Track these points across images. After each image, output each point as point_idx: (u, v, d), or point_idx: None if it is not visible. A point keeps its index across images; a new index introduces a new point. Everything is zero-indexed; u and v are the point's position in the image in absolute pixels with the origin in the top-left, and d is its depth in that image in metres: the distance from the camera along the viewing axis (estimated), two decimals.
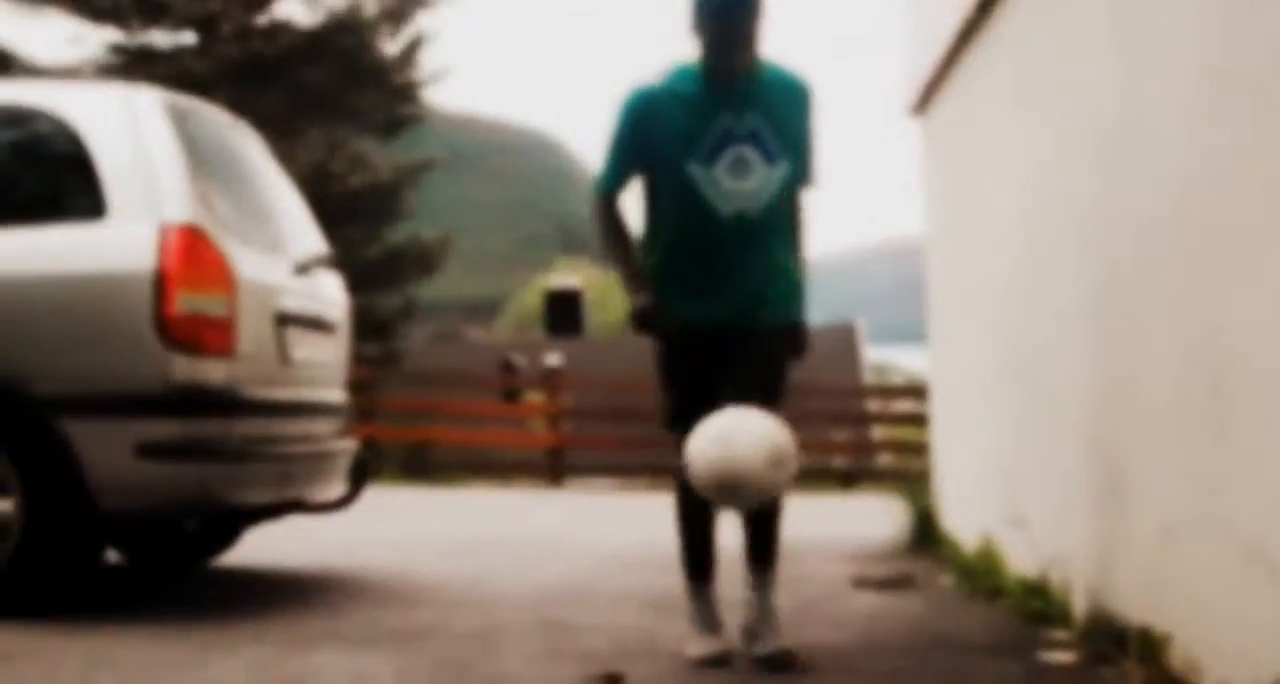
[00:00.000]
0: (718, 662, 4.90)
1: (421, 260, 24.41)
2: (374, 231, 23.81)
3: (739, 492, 4.54)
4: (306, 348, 6.66)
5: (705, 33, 4.97)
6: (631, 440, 17.85)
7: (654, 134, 5.07)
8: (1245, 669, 3.81)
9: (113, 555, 7.26)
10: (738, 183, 5.03)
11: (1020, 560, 6.55)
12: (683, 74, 5.08)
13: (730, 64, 4.98)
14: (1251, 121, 3.91)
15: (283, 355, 6.41)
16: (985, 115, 7.56)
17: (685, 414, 4.92)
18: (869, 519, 9.95)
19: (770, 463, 4.45)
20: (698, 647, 5.00)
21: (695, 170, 5.03)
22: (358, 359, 10.43)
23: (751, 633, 5.01)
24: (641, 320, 5.07)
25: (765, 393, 5.00)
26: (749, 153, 5.02)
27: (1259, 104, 3.86)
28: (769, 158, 5.03)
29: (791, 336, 5.26)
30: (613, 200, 5.22)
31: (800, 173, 5.22)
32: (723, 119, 5.01)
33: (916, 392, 16.08)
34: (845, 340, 34.81)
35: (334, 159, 23.24)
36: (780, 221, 5.16)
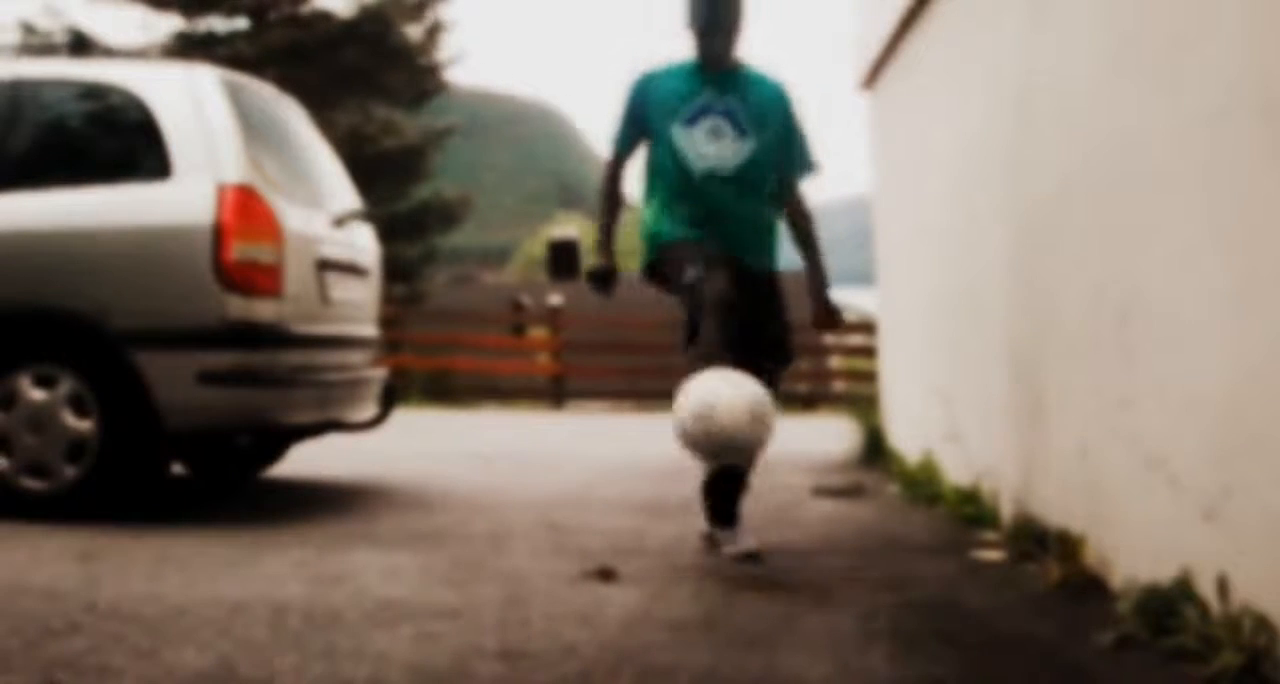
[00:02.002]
0: (750, 557, 4.77)
1: (443, 215, 24.35)
2: (402, 189, 23.70)
3: (730, 453, 4.50)
4: (343, 289, 6.64)
5: (694, 23, 5.15)
6: (622, 369, 17.91)
7: (650, 104, 5.23)
8: (1149, 566, 3.81)
9: (177, 468, 7.26)
10: (711, 146, 5.16)
11: (956, 472, 6.56)
12: (679, 65, 5.25)
13: (715, 48, 5.14)
14: (1152, 88, 3.90)
15: (323, 296, 6.39)
16: (925, 88, 7.54)
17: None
18: (827, 438, 9.96)
19: (752, 421, 4.38)
20: (732, 546, 4.85)
21: (678, 132, 5.16)
22: (387, 299, 10.40)
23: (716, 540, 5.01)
24: (594, 277, 5.27)
25: (781, 353, 5.24)
26: (723, 124, 5.17)
27: (1158, 72, 3.84)
28: (739, 132, 5.17)
29: (770, 282, 5.29)
30: (620, 162, 5.35)
31: (795, 161, 5.34)
32: (705, 95, 5.17)
33: (867, 327, 16.05)
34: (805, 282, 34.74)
35: (367, 126, 23.19)
36: (748, 186, 5.20)
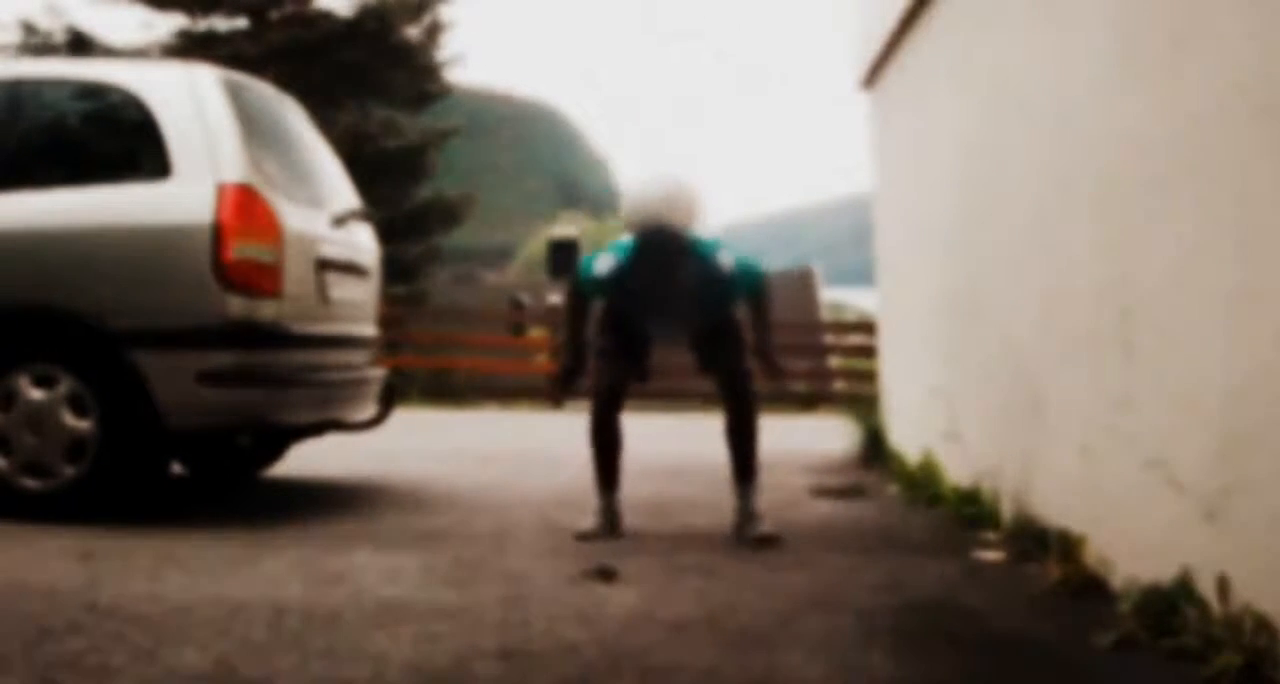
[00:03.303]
0: (585, 537, 5.47)
1: (444, 214, 24.32)
2: (402, 189, 23.68)
3: (647, 220, 5.34)
4: (343, 289, 6.63)
5: (638, 267, 5.43)
6: None
7: (601, 289, 5.62)
8: (1149, 566, 3.81)
9: (177, 468, 7.26)
10: (660, 331, 5.72)
11: (956, 471, 6.55)
12: (624, 248, 5.52)
13: (656, 293, 5.46)
14: (1152, 87, 3.90)
15: (323, 295, 6.38)
16: (926, 88, 7.53)
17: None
18: (827, 437, 9.96)
19: (664, 201, 5.33)
20: (582, 526, 5.60)
21: (631, 313, 5.63)
22: (387, 299, 10.40)
23: (740, 527, 5.57)
24: (561, 379, 5.81)
25: (738, 379, 5.68)
26: (670, 323, 5.64)
27: (1159, 71, 3.84)
28: (688, 321, 5.64)
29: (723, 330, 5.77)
30: (584, 299, 5.75)
31: (747, 297, 5.71)
32: (650, 305, 5.54)
33: (867, 327, 16.07)
34: (805, 282, 34.73)
35: (367, 125, 23.18)
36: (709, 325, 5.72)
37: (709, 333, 5.72)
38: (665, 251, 5.33)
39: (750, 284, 5.63)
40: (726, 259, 5.52)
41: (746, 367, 5.68)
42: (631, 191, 5.47)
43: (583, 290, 5.68)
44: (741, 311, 5.76)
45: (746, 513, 5.59)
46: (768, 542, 5.39)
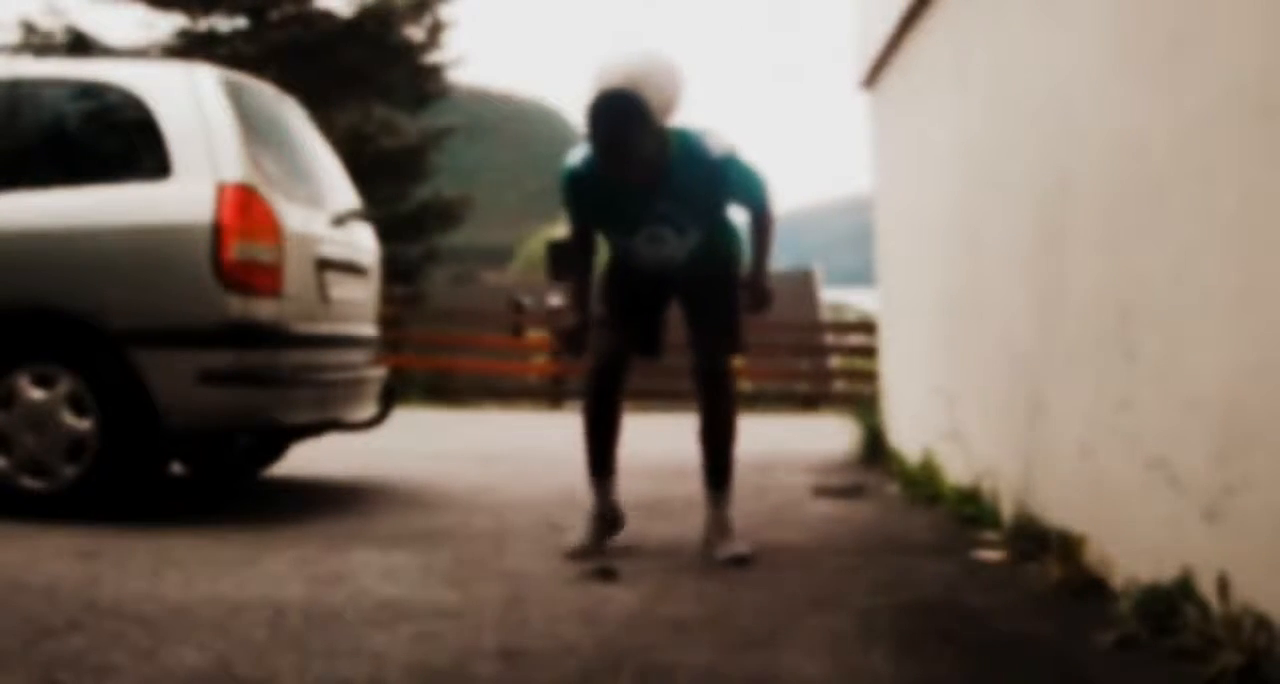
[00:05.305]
0: (575, 555, 4.97)
1: (444, 215, 24.29)
2: (402, 189, 23.67)
3: (604, 96, 4.60)
4: (343, 289, 6.64)
5: (592, 143, 4.74)
6: None
7: (583, 208, 5.07)
8: (1150, 565, 3.81)
9: (177, 468, 7.26)
10: (654, 250, 5.03)
11: (956, 471, 6.55)
12: (595, 158, 4.82)
13: (618, 175, 4.77)
14: (1153, 87, 3.90)
15: (323, 295, 6.38)
16: (926, 88, 7.53)
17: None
18: (827, 437, 9.95)
19: (625, 81, 4.57)
20: (571, 539, 5.13)
21: (617, 238, 5.10)
22: (387, 299, 10.39)
23: (709, 542, 5.08)
24: (566, 338, 5.16)
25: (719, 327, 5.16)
26: (661, 230, 4.95)
27: (1159, 71, 3.84)
28: (680, 230, 4.95)
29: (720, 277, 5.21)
30: (577, 240, 5.19)
31: (744, 203, 5.08)
32: (632, 206, 4.92)
33: (867, 327, 16.07)
34: (805, 282, 34.75)
35: (367, 125, 23.17)
36: (697, 252, 5.06)
37: (703, 278, 5.13)
38: (615, 119, 4.61)
39: (750, 186, 5.00)
40: (716, 143, 4.84)
41: (728, 362, 5.18)
42: (596, 69, 4.71)
43: (567, 196, 5.04)
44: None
45: (719, 525, 5.10)
46: (738, 563, 4.87)
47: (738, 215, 5.19)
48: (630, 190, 4.84)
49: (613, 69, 4.64)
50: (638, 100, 4.57)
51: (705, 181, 4.87)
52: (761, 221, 5.10)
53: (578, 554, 4.97)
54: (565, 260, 5.40)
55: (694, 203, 4.91)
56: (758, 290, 5.14)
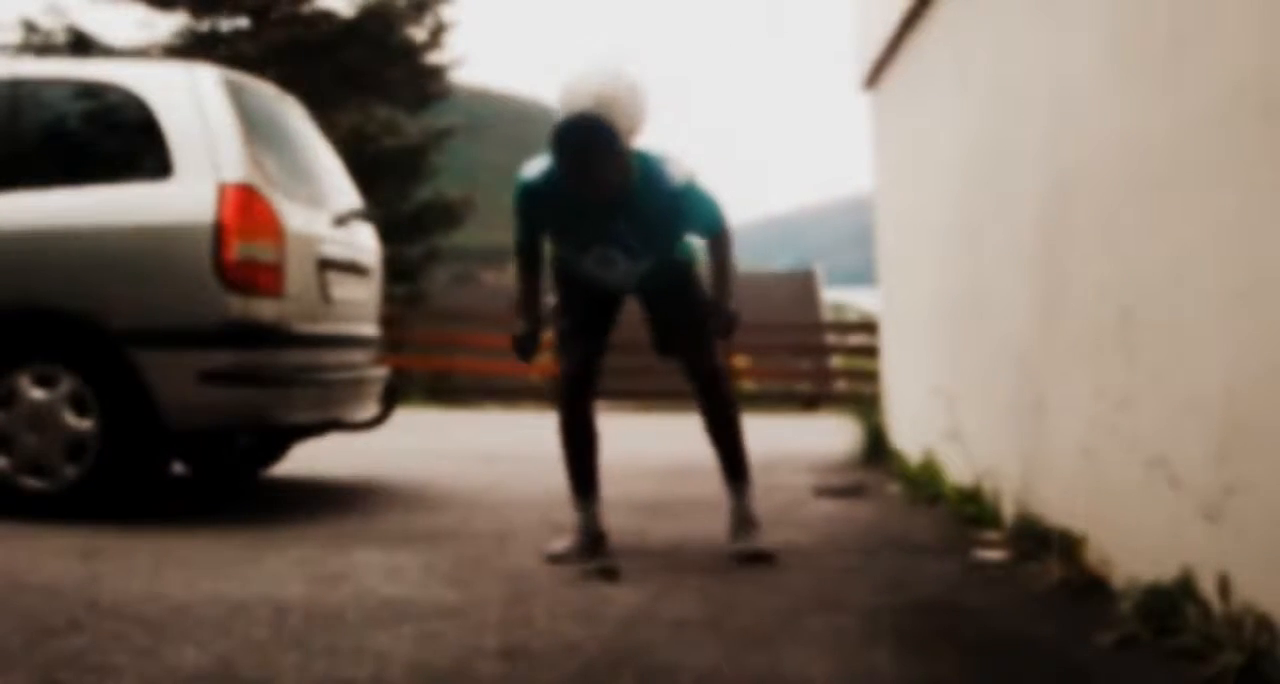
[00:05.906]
0: (558, 559, 4.92)
1: (445, 215, 24.30)
2: (403, 189, 23.68)
3: (576, 113, 4.55)
4: (344, 289, 6.64)
5: (559, 165, 4.67)
6: (621, 370, 17.84)
7: (536, 222, 5.01)
8: (1150, 565, 3.81)
9: (177, 468, 7.26)
10: (602, 271, 5.01)
11: (957, 471, 6.55)
12: (555, 173, 4.77)
13: (582, 194, 4.68)
14: (1153, 87, 3.90)
15: (324, 295, 6.39)
16: (927, 89, 7.53)
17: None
18: (828, 437, 9.95)
19: (595, 101, 4.53)
20: (555, 545, 5.09)
21: (568, 255, 5.05)
22: (388, 299, 10.41)
23: (734, 533, 5.12)
24: (514, 345, 5.27)
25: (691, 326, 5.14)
26: (613, 252, 4.91)
27: (1159, 71, 3.84)
28: (632, 254, 4.91)
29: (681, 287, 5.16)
30: (525, 250, 5.13)
31: (700, 230, 5.00)
32: (588, 224, 4.85)
33: (868, 327, 16.09)
34: (806, 283, 34.75)
35: (368, 125, 23.17)
36: (659, 269, 5.02)
37: (664, 288, 5.10)
38: (584, 145, 4.55)
39: (706, 214, 4.91)
40: (676, 171, 4.78)
41: (716, 361, 5.16)
42: (563, 87, 4.67)
43: (521, 207, 4.95)
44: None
45: (742, 516, 5.13)
46: (760, 559, 4.93)
47: (695, 241, 5.14)
48: (588, 208, 4.78)
49: (581, 91, 4.60)
50: (607, 127, 4.54)
51: (665, 210, 4.83)
52: (720, 245, 5.02)
53: (560, 559, 4.93)
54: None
55: (651, 228, 4.86)
56: (722, 314, 5.05)
